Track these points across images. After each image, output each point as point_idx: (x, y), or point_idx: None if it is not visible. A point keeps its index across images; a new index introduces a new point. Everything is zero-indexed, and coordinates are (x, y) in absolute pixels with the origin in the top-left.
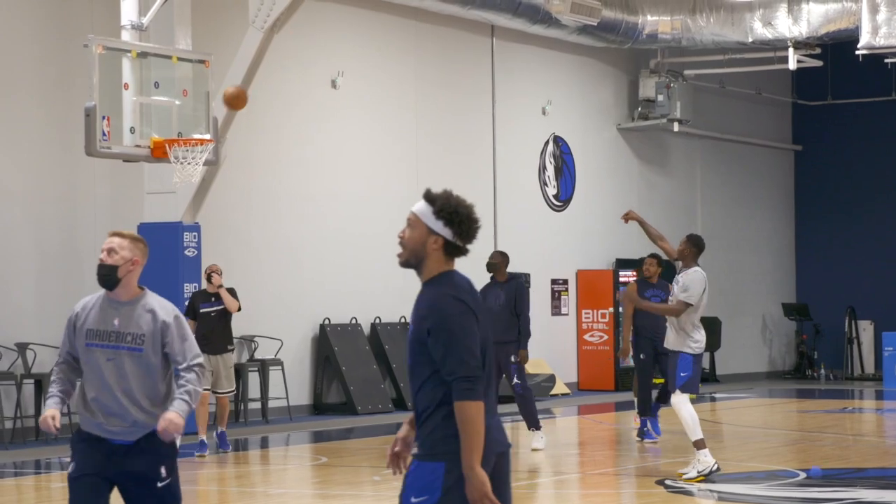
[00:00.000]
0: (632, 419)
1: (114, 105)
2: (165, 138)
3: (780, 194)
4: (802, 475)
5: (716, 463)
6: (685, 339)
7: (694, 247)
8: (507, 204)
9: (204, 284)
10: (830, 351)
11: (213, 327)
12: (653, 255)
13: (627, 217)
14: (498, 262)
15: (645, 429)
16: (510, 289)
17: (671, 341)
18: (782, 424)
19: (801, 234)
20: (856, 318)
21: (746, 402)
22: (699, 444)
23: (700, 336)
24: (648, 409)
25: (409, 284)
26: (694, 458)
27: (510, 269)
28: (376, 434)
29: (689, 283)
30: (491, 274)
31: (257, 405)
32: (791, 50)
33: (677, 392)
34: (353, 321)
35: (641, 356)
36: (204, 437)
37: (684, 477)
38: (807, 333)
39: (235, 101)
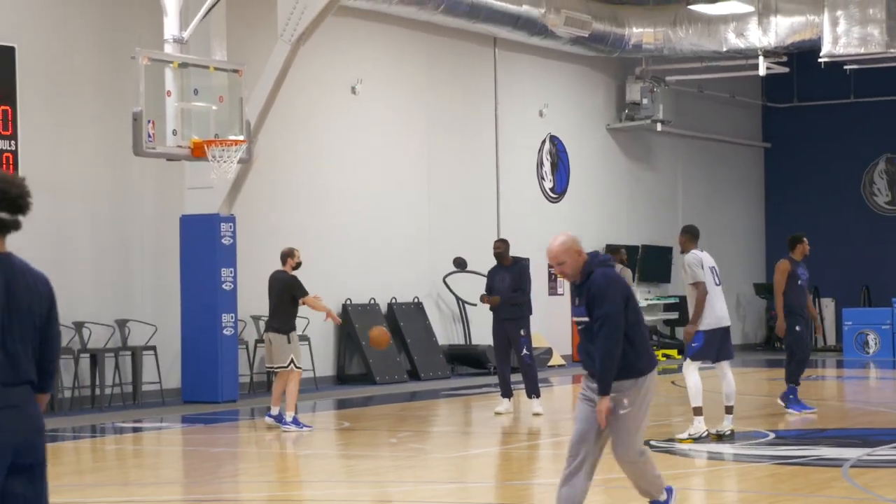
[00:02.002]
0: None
1: (158, 110)
2: (204, 139)
3: (751, 187)
4: (772, 435)
5: (707, 431)
6: (693, 315)
7: (687, 234)
8: (508, 196)
9: (279, 265)
10: None
11: None
12: (803, 236)
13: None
14: (502, 249)
15: (791, 396)
16: (515, 271)
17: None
18: (754, 391)
19: (770, 221)
20: (819, 296)
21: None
22: (697, 411)
23: (705, 314)
24: (797, 380)
25: (423, 269)
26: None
27: (513, 253)
28: (393, 401)
29: (686, 266)
30: (497, 260)
31: None
32: (761, 58)
33: (688, 361)
34: (372, 301)
35: (797, 328)
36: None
37: (677, 437)
38: (775, 310)
39: (379, 340)
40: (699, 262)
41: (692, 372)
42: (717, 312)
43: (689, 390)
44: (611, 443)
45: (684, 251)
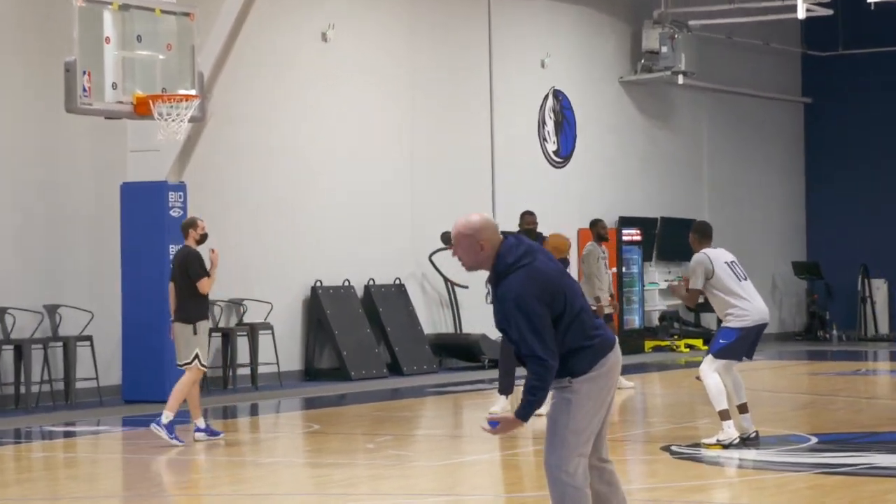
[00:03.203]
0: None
1: (95, 60)
2: (149, 94)
3: (789, 149)
4: (814, 440)
5: (738, 437)
6: (725, 315)
7: (697, 233)
8: (505, 161)
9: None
10: (843, 311)
11: None
12: None
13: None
14: (534, 225)
15: None
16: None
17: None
18: (792, 388)
19: (811, 189)
20: (869, 276)
21: (755, 364)
22: (724, 415)
23: (740, 310)
24: None
25: (405, 245)
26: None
27: (510, 227)
28: (370, 400)
29: (690, 267)
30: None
31: (246, 371)
32: None
33: (709, 358)
34: (346, 283)
35: None
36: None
37: (704, 442)
38: (818, 293)
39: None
40: (703, 265)
41: (711, 371)
42: (759, 306)
43: (709, 392)
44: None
45: (696, 251)
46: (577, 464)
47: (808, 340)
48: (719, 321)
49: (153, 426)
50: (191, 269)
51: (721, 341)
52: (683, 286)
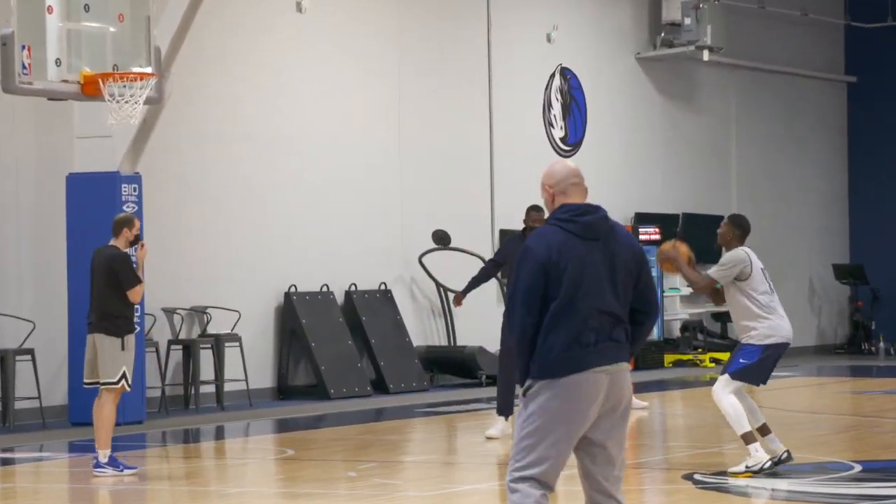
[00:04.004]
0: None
1: (36, 32)
2: (98, 72)
3: (830, 134)
4: (857, 468)
5: (769, 460)
6: (745, 327)
7: (737, 228)
8: (506, 148)
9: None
10: (891, 320)
11: None
12: None
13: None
14: (541, 223)
15: None
16: None
17: (738, 330)
18: (833, 408)
19: (855, 181)
20: None
21: (790, 381)
22: (747, 439)
23: (768, 326)
24: None
25: (390, 246)
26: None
27: (511, 225)
28: (351, 422)
29: (726, 259)
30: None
31: (211, 389)
32: None
33: (725, 378)
34: (325, 289)
35: None
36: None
37: (731, 470)
38: (863, 300)
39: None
40: (742, 264)
41: (727, 393)
42: (787, 325)
43: (727, 416)
44: None
45: (725, 246)
46: (523, 485)
47: (851, 354)
48: None
49: (95, 472)
50: (122, 275)
51: (741, 361)
52: (678, 251)
